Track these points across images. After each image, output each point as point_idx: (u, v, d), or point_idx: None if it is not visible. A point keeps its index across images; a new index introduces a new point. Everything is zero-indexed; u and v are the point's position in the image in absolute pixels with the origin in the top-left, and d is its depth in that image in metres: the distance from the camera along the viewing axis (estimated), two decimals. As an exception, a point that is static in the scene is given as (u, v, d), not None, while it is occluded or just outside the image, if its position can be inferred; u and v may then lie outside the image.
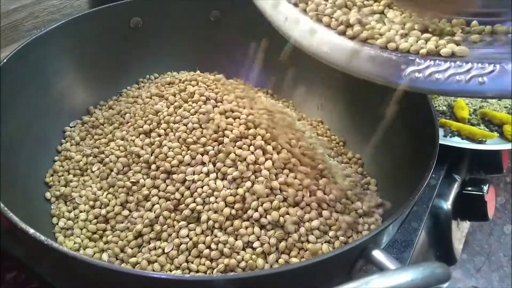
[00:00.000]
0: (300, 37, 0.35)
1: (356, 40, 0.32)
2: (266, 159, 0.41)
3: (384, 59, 0.30)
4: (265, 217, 0.39)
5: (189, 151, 0.42)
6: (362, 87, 0.53)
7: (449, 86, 0.28)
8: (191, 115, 0.44)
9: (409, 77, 0.29)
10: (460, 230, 0.65)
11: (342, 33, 0.33)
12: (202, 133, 0.42)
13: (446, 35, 0.30)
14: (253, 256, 0.38)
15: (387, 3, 0.35)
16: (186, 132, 0.43)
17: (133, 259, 0.39)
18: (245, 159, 0.41)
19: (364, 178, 0.48)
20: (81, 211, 0.43)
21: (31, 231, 0.31)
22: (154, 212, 0.40)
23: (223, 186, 0.40)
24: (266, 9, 0.37)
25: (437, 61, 0.28)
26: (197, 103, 0.45)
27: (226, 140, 0.42)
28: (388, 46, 0.31)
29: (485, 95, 0.28)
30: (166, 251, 0.38)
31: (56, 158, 0.48)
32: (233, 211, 0.39)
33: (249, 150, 0.42)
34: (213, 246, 0.38)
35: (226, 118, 0.44)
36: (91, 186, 0.44)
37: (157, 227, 0.39)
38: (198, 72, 0.57)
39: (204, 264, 0.38)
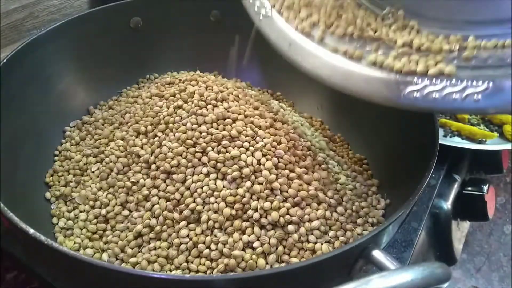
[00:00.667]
0: (304, 62, 0.37)
1: (353, 59, 0.33)
2: (267, 160, 0.41)
3: (383, 79, 0.31)
4: (265, 217, 0.39)
5: (189, 151, 0.42)
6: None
7: (447, 105, 0.29)
8: (191, 115, 0.44)
9: (408, 97, 0.30)
10: (460, 230, 0.65)
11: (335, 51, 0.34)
12: (201, 134, 0.42)
13: (440, 52, 0.31)
14: (253, 256, 0.38)
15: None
16: (185, 133, 0.43)
17: (133, 259, 0.39)
18: (245, 160, 0.41)
19: (368, 180, 0.48)
20: (81, 211, 0.43)
21: (31, 231, 0.31)
22: (154, 212, 0.40)
23: (223, 186, 0.40)
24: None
25: (433, 80, 0.29)
26: (197, 103, 0.45)
27: (225, 142, 0.42)
28: (383, 65, 0.32)
29: (483, 111, 0.29)
30: (165, 252, 0.38)
31: (56, 158, 0.48)
32: (233, 211, 0.39)
33: (248, 150, 0.42)
34: (213, 246, 0.38)
35: (226, 118, 0.44)
36: (91, 186, 0.44)
37: (157, 227, 0.39)
38: (198, 72, 0.57)
39: (204, 264, 0.38)
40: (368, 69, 0.32)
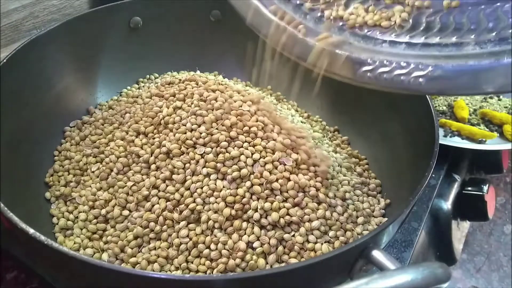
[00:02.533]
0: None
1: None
2: (266, 162, 0.41)
3: (340, 57, 0.34)
4: (265, 218, 0.39)
5: (189, 151, 0.42)
6: (362, 87, 0.53)
7: (395, 85, 0.31)
8: (191, 115, 0.44)
9: (362, 76, 0.33)
10: (460, 230, 0.65)
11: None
12: (201, 134, 0.42)
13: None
14: (253, 256, 0.38)
15: None
16: (185, 133, 0.43)
17: (133, 259, 0.39)
18: (245, 160, 0.41)
19: (368, 179, 0.48)
20: (81, 211, 0.43)
21: (31, 231, 0.31)
22: (154, 212, 0.40)
23: (223, 186, 0.40)
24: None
25: (384, 61, 0.32)
26: (197, 104, 0.45)
27: (224, 143, 0.42)
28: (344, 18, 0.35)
29: (427, 93, 0.34)
30: (165, 253, 0.38)
31: (56, 158, 0.48)
32: (233, 212, 0.39)
33: (248, 150, 0.42)
34: (212, 246, 0.38)
35: (225, 119, 0.44)
36: (91, 186, 0.44)
37: (157, 227, 0.39)
38: (198, 72, 0.57)
39: (204, 264, 0.38)
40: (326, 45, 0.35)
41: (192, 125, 0.43)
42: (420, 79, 0.30)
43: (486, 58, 0.28)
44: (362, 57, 0.33)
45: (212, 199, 0.40)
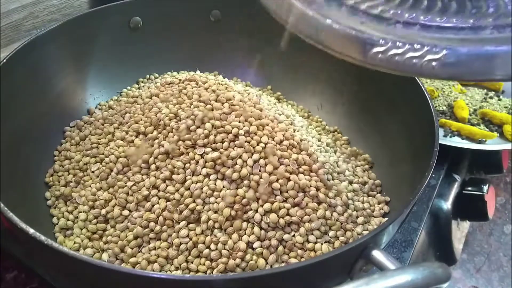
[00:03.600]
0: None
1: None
2: (266, 164, 0.41)
3: (351, 37, 0.32)
4: (266, 218, 0.39)
5: (188, 152, 0.42)
6: (362, 87, 0.53)
7: (407, 68, 0.30)
8: (190, 115, 0.44)
9: (373, 57, 0.31)
10: (460, 230, 0.65)
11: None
12: (200, 135, 0.42)
13: None
14: (253, 257, 0.38)
15: None
16: (185, 133, 0.43)
17: (133, 259, 0.39)
18: (245, 160, 0.41)
19: (368, 179, 0.48)
20: (81, 211, 0.43)
21: (31, 231, 0.31)
22: (154, 212, 0.40)
23: (223, 186, 0.40)
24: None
25: (397, 43, 0.30)
26: (197, 104, 0.45)
27: (225, 144, 0.42)
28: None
29: (440, 78, 0.30)
30: (165, 253, 0.38)
31: (56, 158, 0.48)
32: (233, 212, 0.39)
33: (248, 151, 0.42)
34: (212, 246, 0.38)
35: (225, 119, 0.44)
36: (90, 186, 0.44)
37: (157, 227, 0.39)
38: (198, 72, 0.57)
39: (204, 264, 0.38)
40: (338, 26, 0.33)
41: (192, 125, 0.43)
42: (434, 63, 0.29)
43: (504, 43, 0.27)
44: (374, 37, 0.31)
45: (212, 199, 0.40)
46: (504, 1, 0.29)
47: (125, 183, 0.42)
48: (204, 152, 0.41)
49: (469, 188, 0.61)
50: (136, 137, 0.46)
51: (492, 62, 0.27)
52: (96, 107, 0.54)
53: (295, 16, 0.35)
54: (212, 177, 0.41)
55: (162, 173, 0.42)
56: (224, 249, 0.38)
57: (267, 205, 0.39)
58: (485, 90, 0.69)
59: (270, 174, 0.40)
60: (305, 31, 0.34)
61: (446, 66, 0.28)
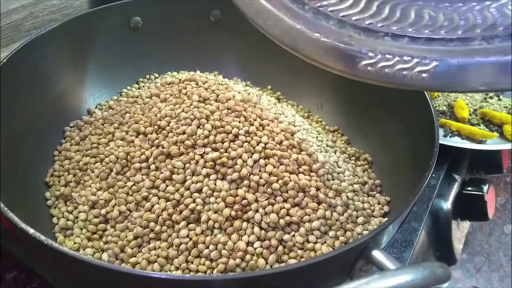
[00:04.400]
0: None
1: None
2: (266, 164, 0.41)
3: (340, 51, 0.32)
4: (265, 219, 0.39)
5: (188, 152, 0.42)
6: (362, 87, 0.53)
7: (398, 80, 0.30)
8: (190, 115, 0.44)
9: (363, 70, 0.31)
10: (460, 230, 0.65)
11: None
12: (199, 136, 0.42)
13: None
14: (253, 257, 0.38)
15: None
16: (184, 133, 0.43)
17: (133, 259, 0.39)
18: (245, 160, 0.41)
19: (368, 179, 0.48)
20: (81, 211, 0.43)
21: (31, 231, 0.31)
22: (154, 212, 0.40)
23: (223, 186, 0.40)
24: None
25: (386, 55, 0.30)
26: (196, 105, 0.45)
27: (225, 144, 0.42)
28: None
29: (430, 89, 0.31)
30: (165, 253, 0.38)
31: (56, 158, 0.48)
32: (233, 212, 0.39)
33: (248, 151, 0.42)
34: (212, 246, 0.38)
35: (225, 119, 0.44)
36: (90, 186, 0.44)
37: (157, 227, 0.39)
38: (198, 72, 0.57)
39: (204, 264, 0.38)
40: (326, 40, 0.33)
41: (192, 125, 0.43)
42: (424, 74, 0.29)
43: (493, 54, 0.27)
44: (363, 50, 0.31)
45: (212, 199, 0.40)
46: (491, 12, 0.29)
47: (125, 183, 0.42)
48: (204, 152, 0.42)
49: (469, 188, 0.61)
50: (136, 137, 0.46)
51: (484, 73, 0.27)
52: (96, 107, 0.54)
53: (282, 30, 0.35)
54: (212, 177, 0.41)
55: (162, 173, 0.42)
56: (224, 249, 0.38)
57: (268, 207, 0.39)
58: (485, 90, 0.69)
59: (270, 174, 0.40)
60: (292, 44, 0.35)
61: (436, 77, 0.29)
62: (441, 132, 0.61)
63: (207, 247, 0.38)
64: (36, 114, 0.48)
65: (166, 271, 0.38)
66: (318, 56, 0.33)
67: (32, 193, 0.44)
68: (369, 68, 0.31)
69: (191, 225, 0.39)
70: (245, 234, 0.39)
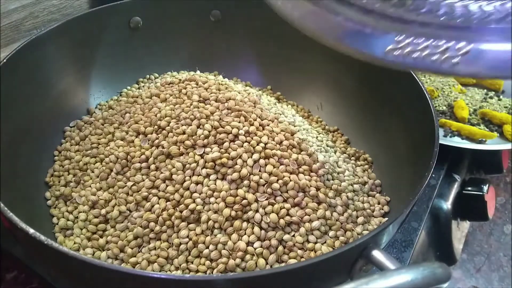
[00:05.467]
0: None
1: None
2: (266, 164, 0.41)
3: (366, 34, 0.31)
4: (266, 219, 0.39)
5: (188, 152, 0.42)
6: (362, 87, 0.53)
7: (426, 66, 0.29)
8: (190, 115, 0.44)
9: (389, 54, 0.30)
10: (460, 230, 0.65)
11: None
12: (199, 136, 0.42)
13: None
14: (253, 257, 0.38)
15: None
16: (184, 133, 0.43)
17: (133, 259, 0.39)
18: (246, 160, 0.41)
19: (368, 179, 0.48)
20: (81, 211, 0.43)
21: (31, 231, 0.31)
22: (154, 213, 0.40)
23: (223, 187, 0.40)
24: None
25: (414, 40, 0.29)
26: (196, 105, 0.45)
27: (225, 144, 0.42)
28: None
29: (459, 75, 0.29)
30: (165, 253, 0.38)
31: (56, 158, 0.48)
32: (233, 212, 0.39)
33: (248, 151, 0.42)
34: (212, 246, 0.38)
35: (225, 119, 0.44)
36: (90, 186, 0.44)
37: (157, 227, 0.39)
38: (198, 72, 0.57)
39: (204, 264, 0.38)
40: (351, 23, 0.32)
41: (192, 125, 0.43)
42: (454, 60, 0.28)
43: None
44: (390, 34, 0.30)
45: (212, 199, 0.40)
46: None
47: (125, 183, 0.42)
48: (204, 152, 0.42)
49: (469, 188, 0.61)
50: (136, 137, 0.46)
51: None
52: (96, 107, 0.54)
53: (303, 13, 0.34)
54: (212, 177, 0.41)
55: (162, 173, 0.42)
56: (224, 249, 0.38)
57: (268, 207, 0.39)
58: (485, 90, 0.69)
59: (270, 174, 0.40)
60: (313, 28, 0.33)
61: (467, 63, 0.27)
62: (441, 132, 0.61)
63: (207, 247, 0.38)
64: (36, 114, 0.48)
65: (166, 271, 0.38)
66: (341, 40, 0.32)
67: (32, 193, 0.44)
68: (395, 53, 0.29)
69: (191, 225, 0.39)
70: (245, 234, 0.39)
